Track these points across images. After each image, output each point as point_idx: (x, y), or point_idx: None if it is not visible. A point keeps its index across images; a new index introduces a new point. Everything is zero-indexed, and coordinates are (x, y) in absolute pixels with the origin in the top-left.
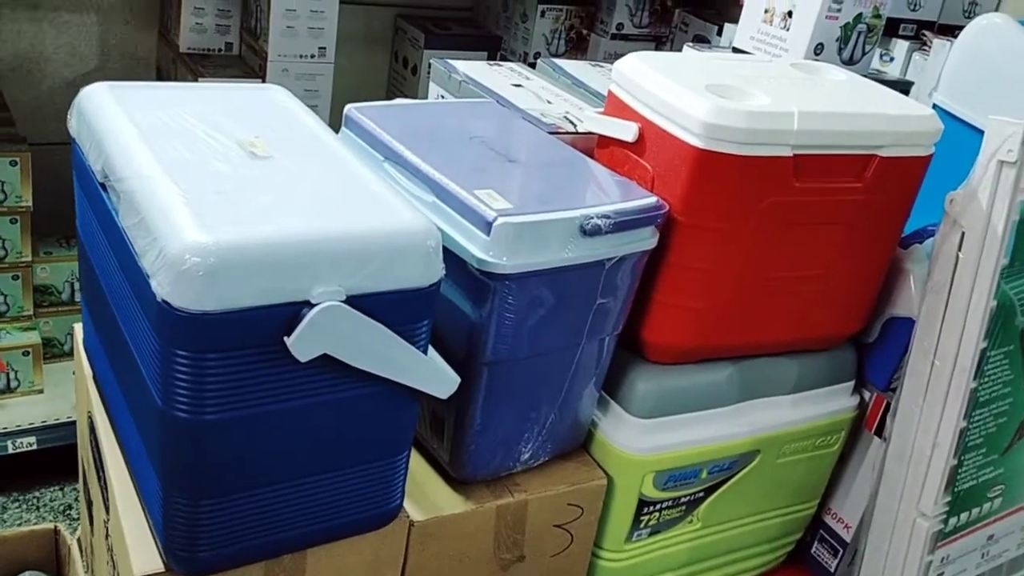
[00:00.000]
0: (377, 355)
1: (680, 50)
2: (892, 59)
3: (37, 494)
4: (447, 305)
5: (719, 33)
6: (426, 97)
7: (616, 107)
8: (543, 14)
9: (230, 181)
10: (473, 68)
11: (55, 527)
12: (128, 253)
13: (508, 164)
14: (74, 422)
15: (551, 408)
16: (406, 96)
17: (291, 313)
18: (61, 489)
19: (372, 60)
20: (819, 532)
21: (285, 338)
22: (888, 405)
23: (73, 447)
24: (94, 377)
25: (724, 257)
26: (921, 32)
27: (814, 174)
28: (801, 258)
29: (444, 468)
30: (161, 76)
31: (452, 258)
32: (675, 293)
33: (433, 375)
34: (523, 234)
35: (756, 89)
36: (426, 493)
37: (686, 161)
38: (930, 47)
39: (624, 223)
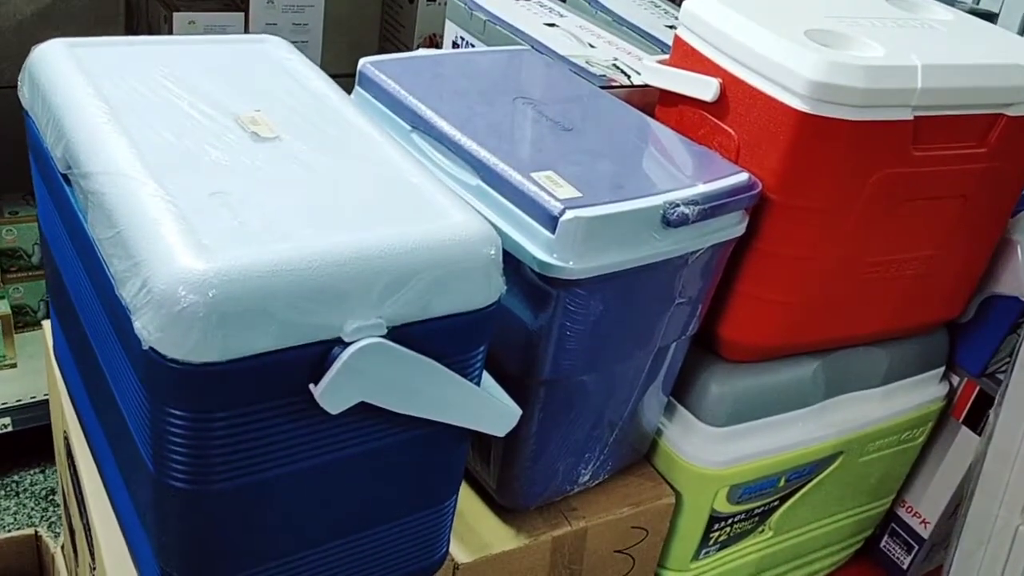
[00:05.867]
0: (425, 396)
1: None
2: None
3: (16, 478)
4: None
5: None
6: (428, 30)
7: (687, 57)
8: None
9: (229, 176)
10: (497, 4)
11: (36, 532)
12: (103, 275)
13: (564, 134)
14: None
15: (615, 425)
16: (403, 28)
17: (318, 355)
18: (42, 472)
19: None
20: (891, 526)
21: (311, 386)
22: (980, 392)
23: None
24: (68, 391)
25: (824, 242)
26: None
27: (934, 140)
28: (910, 238)
29: (491, 493)
30: (131, 11)
31: (504, 256)
32: (763, 285)
33: (490, 411)
34: (595, 230)
35: (861, 35)
36: (471, 525)
37: (785, 128)
38: None
39: (714, 208)
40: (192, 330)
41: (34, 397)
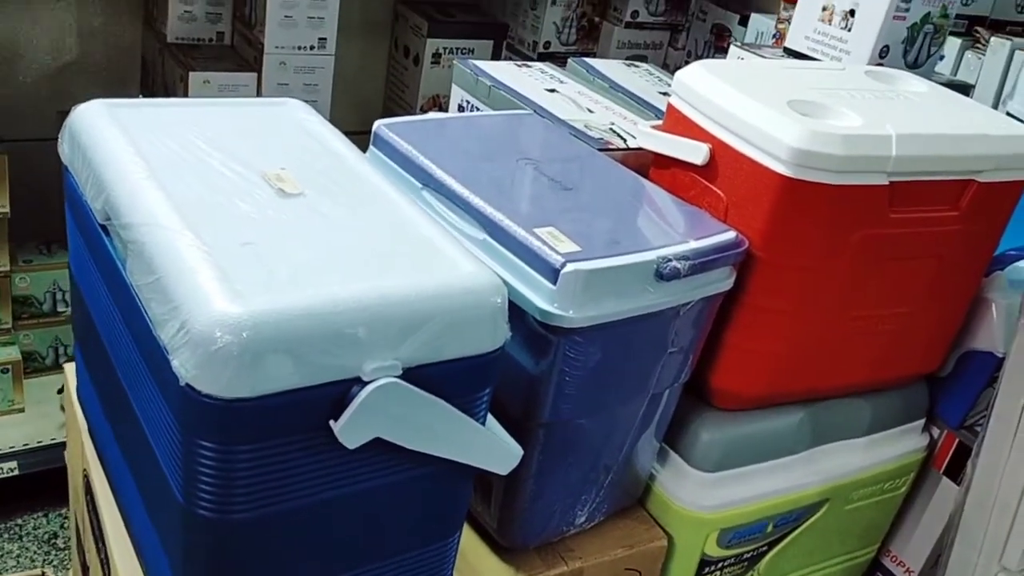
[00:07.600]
0: (435, 434)
1: (697, 40)
2: (943, 57)
3: (19, 522)
4: None
5: (741, 23)
6: (432, 91)
7: (678, 123)
8: (554, 1)
9: (258, 228)
10: (501, 70)
11: (43, 573)
12: (139, 317)
13: (564, 193)
14: (60, 444)
15: (611, 468)
16: (407, 89)
17: (338, 393)
18: (45, 516)
19: (370, 49)
20: (876, 574)
21: (331, 422)
22: (960, 443)
23: (58, 471)
24: (90, 431)
25: (808, 297)
26: (973, 28)
27: (909, 203)
28: (888, 295)
29: (490, 533)
30: (147, 68)
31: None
32: (750, 337)
33: (494, 450)
34: (593, 283)
35: (841, 105)
36: (471, 563)
37: (770, 190)
38: (985, 45)
39: (704, 264)
40: (227, 368)
41: (40, 442)
